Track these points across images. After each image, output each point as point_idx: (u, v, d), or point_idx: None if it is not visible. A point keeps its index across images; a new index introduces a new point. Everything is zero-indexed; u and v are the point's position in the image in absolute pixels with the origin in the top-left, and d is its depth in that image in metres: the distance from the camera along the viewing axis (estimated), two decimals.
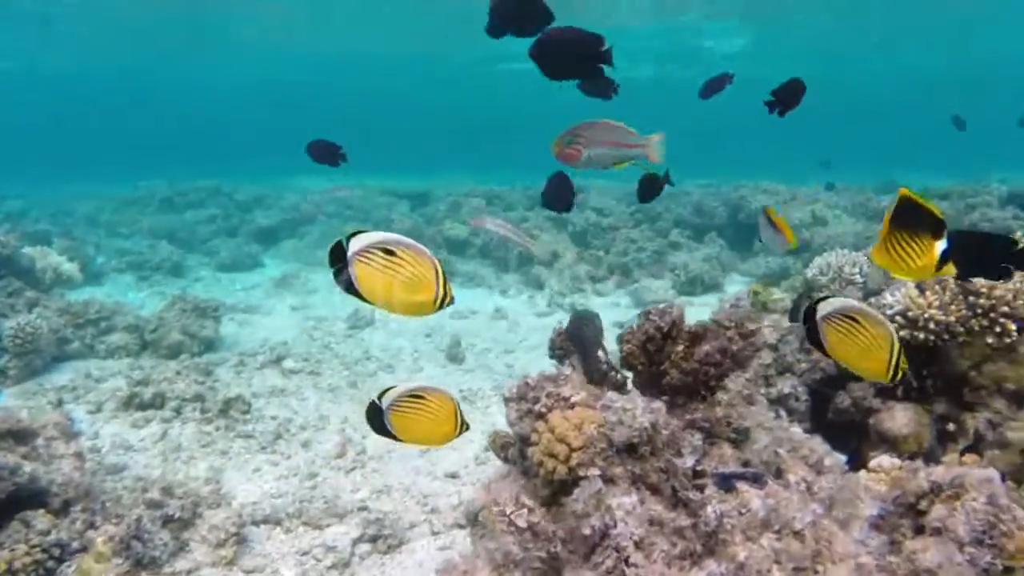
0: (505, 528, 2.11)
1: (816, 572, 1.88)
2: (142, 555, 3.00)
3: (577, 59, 2.51)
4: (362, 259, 1.72)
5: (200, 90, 34.48)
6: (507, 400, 2.48)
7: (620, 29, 18.72)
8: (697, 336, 2.31)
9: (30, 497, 3.07)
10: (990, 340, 2.89)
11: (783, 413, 3.31)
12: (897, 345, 1.86)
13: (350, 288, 1.75)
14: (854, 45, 22.08)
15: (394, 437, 2.04)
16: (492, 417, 4.94)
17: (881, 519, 2.11)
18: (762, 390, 3.45)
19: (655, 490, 2.08)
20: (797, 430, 2.69)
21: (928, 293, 3.02)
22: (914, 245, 1.76)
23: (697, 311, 4.54)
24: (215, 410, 4.88)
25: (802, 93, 3.54)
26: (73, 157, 27.84)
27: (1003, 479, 2.64)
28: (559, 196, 3.35)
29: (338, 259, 1.74)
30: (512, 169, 17.24)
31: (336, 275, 1.75)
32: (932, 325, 2.94)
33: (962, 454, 2.87)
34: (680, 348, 2.30)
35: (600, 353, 2.64)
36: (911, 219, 1.76)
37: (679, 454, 2.16)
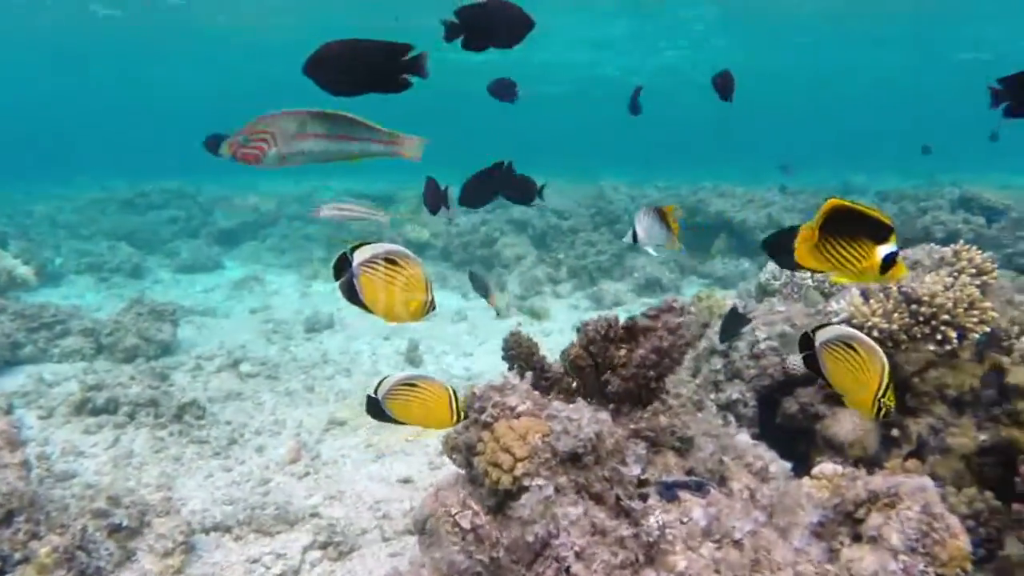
0: (450, 529, 2.11)
1: None
2: (86, 566, 2.94)
3: (370, 71, 2.27)
4: (367, 269, 1.85)
5: (163, 89, 33.93)
6: None
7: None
8: (633, 333, 2.35)
9: None
10: (931, 347, 2.95)
11: (731, 419, 3.36)
12: (887, 379, 1.87)
13: (352, 297, 1.87)
14: (820, 48, 22.39)
15: (397, 421, 2.19)
16: None
17: (821, 527, 2.14)
18: (712, 396, 3.49)
19: (599, 499, 2.09)
20: (744, 437, 2.72)
21: (872, 301, 3.07)
22: (852, 250, 1.78)
23: None
24: (169, 415, 4.81)
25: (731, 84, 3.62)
26: (35, 157, 27.32)
27: (941, 485, 2.70)
28: (432, 200, 3.48)
29: (342, 269, 1.86)
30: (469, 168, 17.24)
31: (340, 284, 1.87)
32: (876, 333, 2.99)
33: (905, 459, 2.93)
34: (622, 353, 2.33)
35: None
36: (846, 225, 1.76)
37: (624, 463, 2.17)
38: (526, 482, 2.11)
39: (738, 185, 11.40)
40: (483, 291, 4.69)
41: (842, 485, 2.19)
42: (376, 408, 2.16)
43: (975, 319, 2.91)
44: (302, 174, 16.77)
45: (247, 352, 6.32)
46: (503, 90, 3.98)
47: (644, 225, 3.00)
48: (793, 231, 1.88)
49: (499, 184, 3.43)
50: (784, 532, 2.09)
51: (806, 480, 2.52)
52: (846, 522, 2.08)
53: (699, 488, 2.14)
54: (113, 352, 6.10)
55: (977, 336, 2.92)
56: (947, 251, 3.33)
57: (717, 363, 3.66)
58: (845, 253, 1.77)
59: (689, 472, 2.32)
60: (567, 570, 1.87)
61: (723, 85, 3.85)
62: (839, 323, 3.12)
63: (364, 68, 2.24)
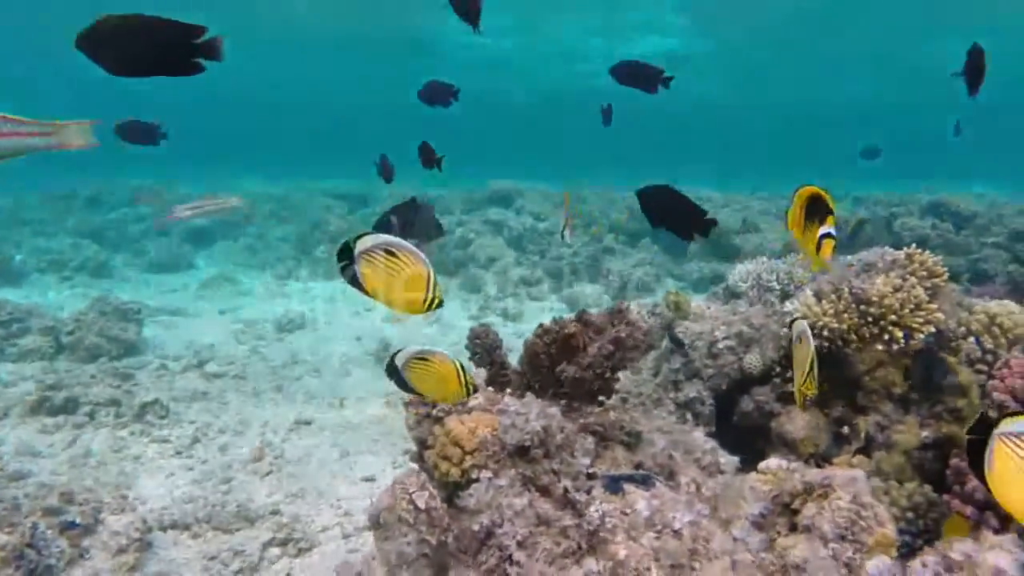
0: (404, 514, 2.13)
1: (693, 569, 1.95)
2: (36, 564, 2.92)
3: (156, 50, 2.08)
4: (367, 258, 1.90)
5: (135, 86, 33.51)
6: (407, 405, 2.51)
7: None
8: (588, 324, 2.40)
9: None
10: (880, 347, 3.02)
11: (689, 417, 3.41)
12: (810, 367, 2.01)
13: (355, 283, 1.94)
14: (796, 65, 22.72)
15: (415, 391, 2.24)
16: None
17: (762, 518, 2.19)
18: (671, 394, 3.55)
19: (545, 492, 2.13)
20: (698, 434, 2.78)
21: (824, 302, 3.14)
22: (811, 230, 1.97)
23: None
24: (131, 415, 4.78)
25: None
26: None
27: (887, 479, 2.77)
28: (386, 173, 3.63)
29: (346, 257, 1.92)
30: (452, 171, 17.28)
31: (343, 271, 1.94)
32: (826, 332, 3.06)
33: (853, 455, 3.00)
34: (579, 342, 2.39)
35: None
36: (812, 207, 2.00)
37: (572, 457, 2.22)
38: (474, 474, 2.15)
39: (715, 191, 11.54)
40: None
41: (782, 478, 2.24)
42: (397, 375, 2.22)
43: (921, 320, 2.98)
44: (278, 174, 16.73)
45: (215, 352, 6.30)
46: (436, 95, 3.98)
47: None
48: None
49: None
50: (726, 523, 2.14)
51: (752, 475, 2.57)
52: (784, 513, 2.13)
53: (644, 481, 2.18)
54: (75, 351, 6.03)
55: (923, 336, 2.99)
56: (900, 254, 3.40)
57: (677, 363, 3.71)
58: (809, 233, 1.97)
59: (638, 466, 2.37)
60: (509, 558, 1.91)
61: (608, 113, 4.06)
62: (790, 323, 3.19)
63: (149, 47, 2.08)
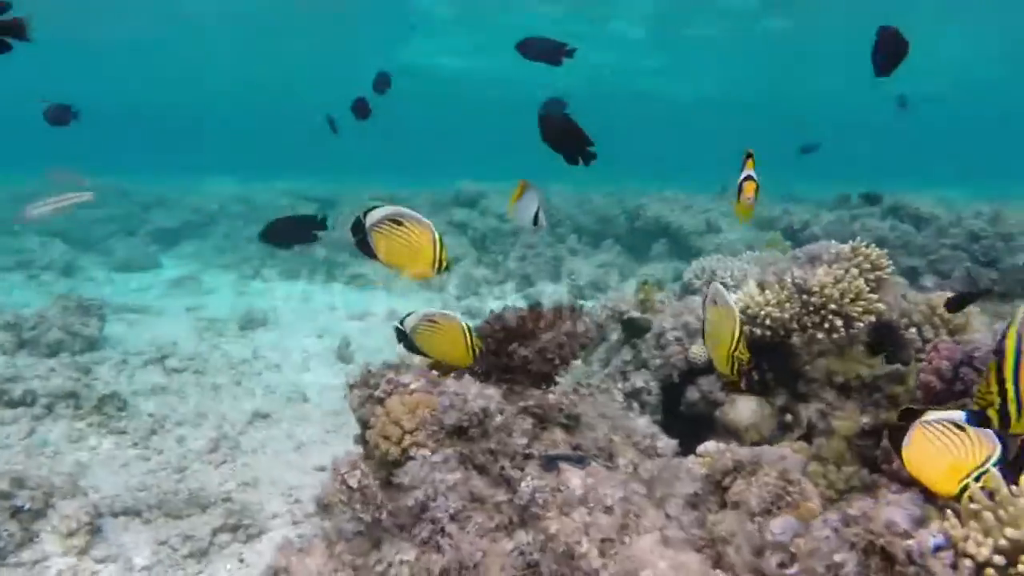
0: (339, 494, 2.17)
1: (623, 543, 2.00)
2: None
3: None
4: (377, 229, 2.07)
5: (109, 84, 33.17)
6: (351, 386, 2.55)
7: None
8: (542, 316, 2.46)
9: None
10: (820, 336, 3.10)
11: (635, 406, 3.47)
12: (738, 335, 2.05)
13: (368, 252, 2.10)
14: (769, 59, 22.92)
15: (423, 353, 2.38)
16: None
17: (696, 496, 2.25)
18: (619, 384, 3.60)
19: (482, 469, 2.17)
20: (643, 420, 2.84)
21: (767, 292, 3.21)
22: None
23: None
24: (89, 407, 4.74)
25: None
26: None
27: (826, 464, 2.84)
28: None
29: (358, 230, 2.08)
30: (418, 172, 17.44)
31: (358, 243, 2.10)
32: (769, 322, 3.13)
33: (796, 443, 3.07)
34: (530, 327, 2.44)
35: None
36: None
37: (509, 437, 2.26)
38: (413, 453, 2.19)
39: (680, 192, 11.61)
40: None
41: (715, 459, 2.30)
42: (405, 339, 2.32)
43: (860, 309, 3.06)
44: (247, 175, 16.64)
45: (176, 348, 6.25)
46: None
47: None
48: None
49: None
50: (660, 502, 2.19)
51: (690, 457, 2.63)
52: (716, 491, 2.19)
53: (580, 461, 2.23)
54: (36, 346, 5.97)
55: (861, 325, 3.07)
56: (845, 247, 3.48)
57: (627, 354, 3.78)
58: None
59: (576, 447, 2.42)
60: (442, 530, 1.95)
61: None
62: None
63: None
